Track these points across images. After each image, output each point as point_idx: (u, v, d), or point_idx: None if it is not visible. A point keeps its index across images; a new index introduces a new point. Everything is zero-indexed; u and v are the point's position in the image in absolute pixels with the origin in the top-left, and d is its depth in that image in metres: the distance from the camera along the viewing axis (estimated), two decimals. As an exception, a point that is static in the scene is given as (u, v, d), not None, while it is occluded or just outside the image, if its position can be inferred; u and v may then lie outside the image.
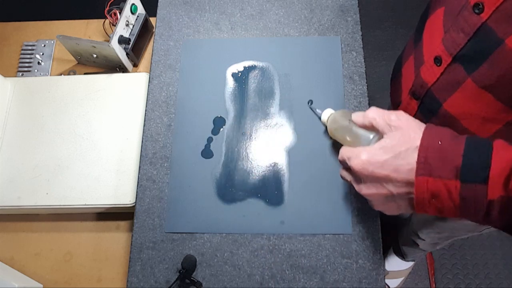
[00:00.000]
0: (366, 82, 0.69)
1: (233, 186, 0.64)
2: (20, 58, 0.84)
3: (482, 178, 0.38)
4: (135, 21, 0.79)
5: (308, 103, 0.66)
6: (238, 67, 0.72)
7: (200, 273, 0.60)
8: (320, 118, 0.64)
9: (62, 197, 0.67)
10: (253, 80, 0.71)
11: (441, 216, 0.43)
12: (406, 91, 0.59)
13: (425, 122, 0.49)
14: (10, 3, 1.43)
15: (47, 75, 0.82)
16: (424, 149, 0.41)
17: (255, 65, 0.72)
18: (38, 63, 0.83)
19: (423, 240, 0.92)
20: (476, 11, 0.42)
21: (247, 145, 0.67)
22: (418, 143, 0.42)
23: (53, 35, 0.86)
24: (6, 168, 0.69)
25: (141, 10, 0.80)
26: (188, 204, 0.64)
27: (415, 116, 0.56)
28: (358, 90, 0.69)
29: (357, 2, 0.75)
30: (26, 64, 0.83)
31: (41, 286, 0.68)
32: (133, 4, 0.77)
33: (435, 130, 0.43)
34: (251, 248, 0.61)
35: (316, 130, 0.67)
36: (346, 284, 0.59)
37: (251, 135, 0.67)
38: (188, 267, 0.59)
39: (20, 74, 0.83)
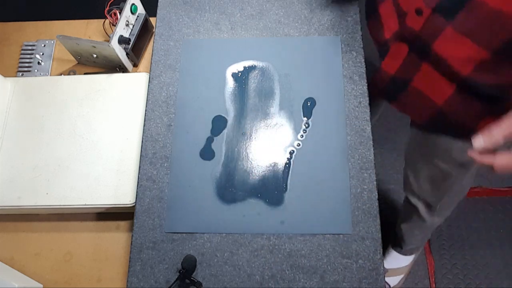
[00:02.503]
0: (366, 82, 0.70)
1: (233, 186, 0.64)
2: (20, 58, 0.84)
3: None
4: (135, 21, 0.79)
5: None
6: (238, 67, 0.72)
7: (200, 273, 0.60)
8: None
9: (62, 197, 0.67)
10: (253, 80, 0.71)
11: None
12: (389, 32, 0.64)
13: (418, 62, 0.59)
14: (10, 3, 1.42)
15: (47, 75, 0.82)
16: None
17: (255, 65, 0.72)
18: (38, 63, 0.83)
19: (421, 186, 0.86)
20: None
21: (247, 145, 0.67)
22: None
23: (53, 35, 0.86)
24: (6, 168, 0.69)
25: (141, 10, 0.80)
26: (188, 204, 0.64)
27: (407, 56, 0.62)
28: (358, 90, 0.69)
29: (357, 2, 0.75)
30: (26, 64, 0.83)
31: (41, 286, 0.67)
32: (133, 4, 0.77)
33: None
34: (251, 248, 0.61)
35: (316, 130, 0.67)
36: (346, 284, 0.59)
37: (251, 135, 0.67)
38: (188, 267, 0.59)
39: (20, 74, 0.82)
